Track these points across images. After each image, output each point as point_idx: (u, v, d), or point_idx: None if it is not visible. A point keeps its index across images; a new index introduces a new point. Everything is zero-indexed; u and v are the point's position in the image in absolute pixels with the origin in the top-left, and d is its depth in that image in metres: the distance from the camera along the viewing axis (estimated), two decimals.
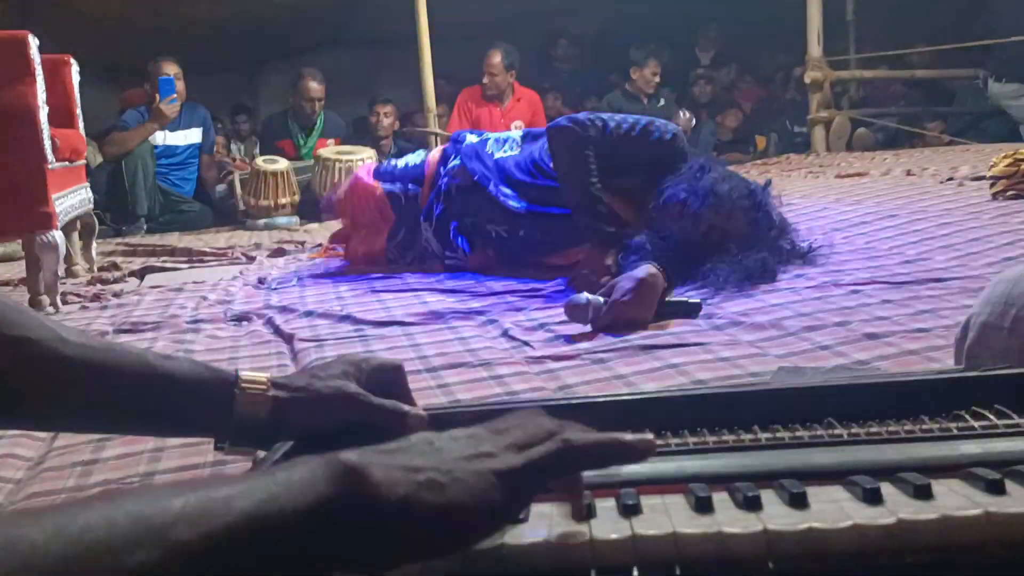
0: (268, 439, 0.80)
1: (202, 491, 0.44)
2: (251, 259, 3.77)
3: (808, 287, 2.21)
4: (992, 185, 3.33)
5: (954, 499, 0.60)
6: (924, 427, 0.77)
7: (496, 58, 6.14)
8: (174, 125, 5.51)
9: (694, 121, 6.69)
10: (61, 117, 3.28)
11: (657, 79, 6.68)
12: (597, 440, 0.58)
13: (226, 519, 0.42)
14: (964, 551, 0.57)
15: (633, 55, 6.81)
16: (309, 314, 2.39)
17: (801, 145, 6.78)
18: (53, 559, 0.38)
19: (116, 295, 3.08)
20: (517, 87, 6.35)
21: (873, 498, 0.60)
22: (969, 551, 0.57)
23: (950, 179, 3.98)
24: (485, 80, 6.21)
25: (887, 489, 0.62)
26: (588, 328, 1.98)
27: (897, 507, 0.59)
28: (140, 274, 3.57)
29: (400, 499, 0.48)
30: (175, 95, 5.36)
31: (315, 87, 5.88)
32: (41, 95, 2.76)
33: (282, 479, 0.46)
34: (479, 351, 1.88)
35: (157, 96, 5.33)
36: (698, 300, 2.11)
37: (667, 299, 2.08)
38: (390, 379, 0.90)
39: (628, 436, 0.59)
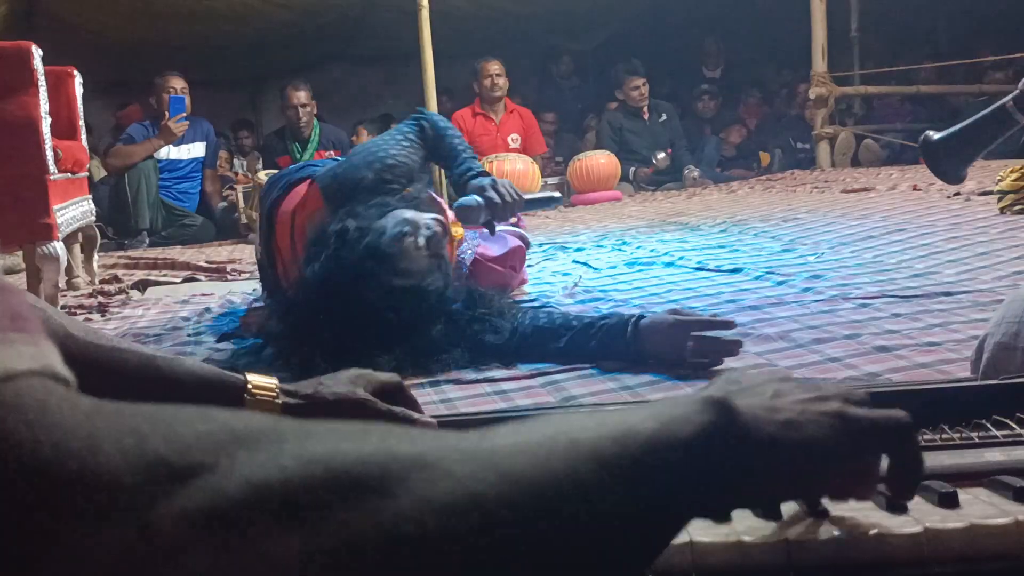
0: None
1: (606, 417, 0.45)
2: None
3: (816, 300, 2.19)
4: (999, 200, 3.31)
5: (981, 507, 0.58)
6: (945, 436, 0.75)
7: (496, 65, 6.16)
8: (178, 140, 5.51)
9: (669, 161, 6.61)
10: (64, 129, 3.28)
11: (645, 92, 6.62)
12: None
13: (640, 438, 0.43)
14: (993, 560, 0.54)
15: (615, 72, 6.78)
16: None
17: (805, 161, 6.75)
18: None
19: (118, 307, 3.06)
20: (508, 101, 6.35)
21: (898, 506, 0.58)
22: (998, 560, 0.54)
23: (957, 194, 3.95)
24: (487, 85, 6.15)
25: None
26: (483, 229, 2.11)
27: (923, 516, 0.57)
28: (141, 287, 3.55)
29: (768, 437, 0.48)
30: (185, 113, 5.36)
31: (297, 94, 5.78)
32: (44, 106, 2.75)
33: (663, 409, 0.47)
34: (482, 366, 1.85)
35: (167, 113, 5.33)
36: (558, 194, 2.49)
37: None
38: (392, 391, 0.89)
39: None
